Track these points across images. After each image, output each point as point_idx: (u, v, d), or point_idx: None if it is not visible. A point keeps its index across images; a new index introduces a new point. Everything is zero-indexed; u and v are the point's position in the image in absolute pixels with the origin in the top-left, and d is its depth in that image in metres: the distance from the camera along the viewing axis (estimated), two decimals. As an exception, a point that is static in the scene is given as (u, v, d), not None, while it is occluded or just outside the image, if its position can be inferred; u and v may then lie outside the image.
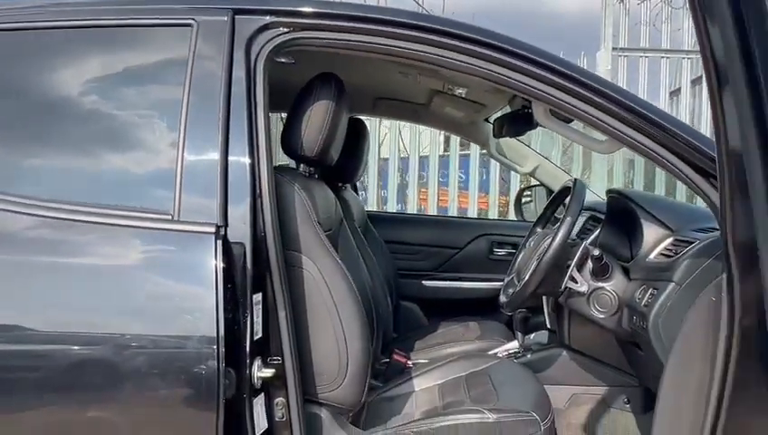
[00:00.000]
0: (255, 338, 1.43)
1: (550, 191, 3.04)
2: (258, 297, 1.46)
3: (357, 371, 1.60)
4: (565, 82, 1.49)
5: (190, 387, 1.37)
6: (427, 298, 3.09)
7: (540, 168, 2.97)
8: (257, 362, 1.43)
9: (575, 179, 1.86)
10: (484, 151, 6.07)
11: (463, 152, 6.04)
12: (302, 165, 1.84)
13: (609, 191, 1.93)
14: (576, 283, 1.74)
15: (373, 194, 6.10)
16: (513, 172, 5.47)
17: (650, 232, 1.69)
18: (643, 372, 1.86)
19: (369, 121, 5.82)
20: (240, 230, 1.44)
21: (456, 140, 5.95)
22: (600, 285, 1.74)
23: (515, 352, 2.29)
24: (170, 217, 1.44)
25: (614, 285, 1.74)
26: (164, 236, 1.44)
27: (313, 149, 1.71)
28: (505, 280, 2.05)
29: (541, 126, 1.72)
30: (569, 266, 1.73)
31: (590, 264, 1.74)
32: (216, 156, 1.46)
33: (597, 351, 2.11)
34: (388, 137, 6.33)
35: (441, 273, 3.14)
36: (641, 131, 1.44)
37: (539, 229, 2.08)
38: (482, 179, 6.03)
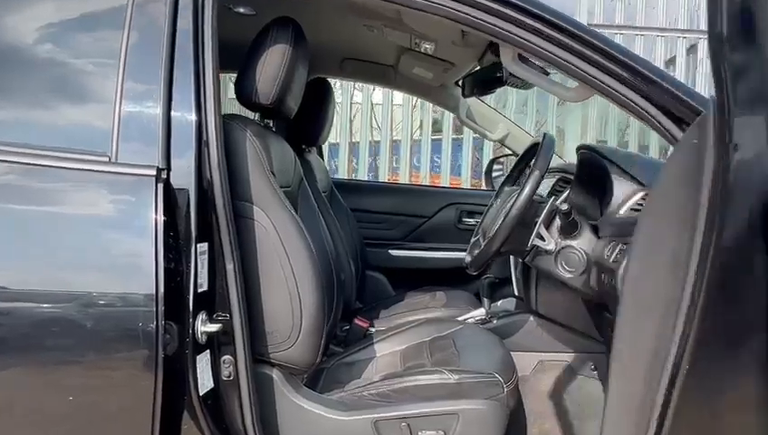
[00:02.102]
0: (199, 291, 1.34)
1: (520, 159, 2.97)
2: (203, 247, 1.36)
3: (311, 328, 1.51)
4: (534, 22, 1.40)
5: (127, 341, 1.27)
6: (395, 268, 3.01)
7: (510, 135, 2.90)
8: (201, 317, 1.33)
9: (544, 134, 1.77)
10: (456, 135, 6.11)
11: (435, 137, 5.98)
12: (257, 115, 1.74)
13: (579, 147, 1.86)
14: (543, 240, 1.66)
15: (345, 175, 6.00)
16: (486, 151, 5.46)
17: (620, 187, 1.62)
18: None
19: (341, 100, 5.74)
20: (184, 176, 1.34)
21: (429, 123, 5.88)
22: (569, 243, 1.66)
23: (482, 319, 2.22)
24: (108, 160, 1.33)
25: (582, 242, 1.66)
26: (100, 179, 1.33)
27: (269, 96, 1.60)
28: (471, 241, 1.97)
29: (509, 75, 1.63)
30: (536, 223, 1.65)
31: (557, 221, 1.67)
32: (158, 97, 1.35)
33: (564, 316, 2.04)
34: (359, 114, 6.23)
35: (409, 242, 3.06)
36: (615, 77, 1.36)
37: (506, 188, 2.00)
38: (456, 164, 5.99)
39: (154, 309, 1.25)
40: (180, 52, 1.38)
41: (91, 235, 1.32)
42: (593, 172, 1.74)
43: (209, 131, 1.37)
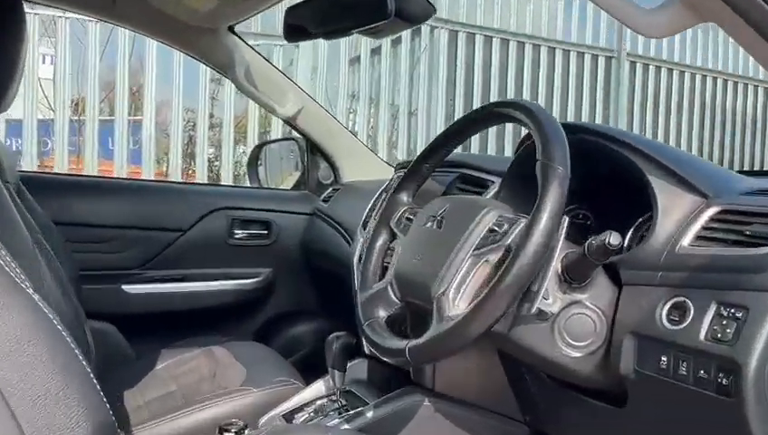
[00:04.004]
0: None
1: (312, 145, 2.16)
2: None
3: None
4: None
5: None
6: (130, 313, 1.93)
7: (304, 111, 2.05)
8: None
9: (517, 102, 0.98)
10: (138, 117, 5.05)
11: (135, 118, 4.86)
12: None
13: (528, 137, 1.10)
14: (547, 299, 0.90)
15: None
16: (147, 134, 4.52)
17: (670, 199, 0.93)
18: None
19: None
20: None
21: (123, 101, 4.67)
22: (575, 297, 0.93)
23: (336, 405, 1.36)
24: None
25: (595, 296, 0.94)
26: None
27: None
28: (364, 295, 1.06)
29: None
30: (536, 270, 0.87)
31: (559, 263, 0.91)
32: None
33: (475, 393, 1.31)
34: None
35: (151, 271, 2.00)
36: None
37: (405, 198, 1.15)
38: (132, 149, 4.99)
39: None
40: None
41: None
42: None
43: None
